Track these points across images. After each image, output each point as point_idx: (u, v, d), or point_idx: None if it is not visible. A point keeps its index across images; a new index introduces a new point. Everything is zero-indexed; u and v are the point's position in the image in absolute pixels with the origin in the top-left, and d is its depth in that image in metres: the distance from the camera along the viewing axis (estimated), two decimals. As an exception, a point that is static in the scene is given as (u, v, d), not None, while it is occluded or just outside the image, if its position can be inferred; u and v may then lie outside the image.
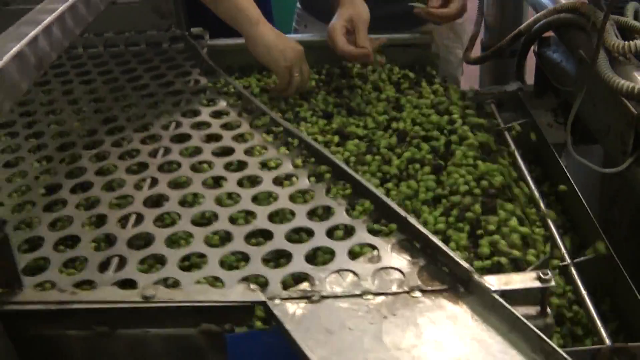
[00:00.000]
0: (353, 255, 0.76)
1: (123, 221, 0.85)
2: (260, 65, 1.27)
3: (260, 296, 0.68)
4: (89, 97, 1.19)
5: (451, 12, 1.33)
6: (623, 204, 1.03)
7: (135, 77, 1.25)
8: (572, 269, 0.87)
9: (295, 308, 0.68)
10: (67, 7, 0.82)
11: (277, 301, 0.68)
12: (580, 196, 0.99)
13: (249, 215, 0.85)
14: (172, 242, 0.81)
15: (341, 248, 0.77)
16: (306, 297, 0.69)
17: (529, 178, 1.03)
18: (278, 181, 0.91)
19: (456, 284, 0.70)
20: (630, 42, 0.94)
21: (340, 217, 0.83)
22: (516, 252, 0.82)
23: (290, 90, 1.23)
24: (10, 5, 1.38)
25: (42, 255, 0.79)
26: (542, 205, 0.97)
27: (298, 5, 1.75)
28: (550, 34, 1.28)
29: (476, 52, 1.55)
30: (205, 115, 1.09)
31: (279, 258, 0.79)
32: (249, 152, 0.98)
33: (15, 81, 0.69)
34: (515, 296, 0.67)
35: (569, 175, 1.04)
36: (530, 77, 1.37)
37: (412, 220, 0.79)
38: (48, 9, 0.81)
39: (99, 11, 0.92)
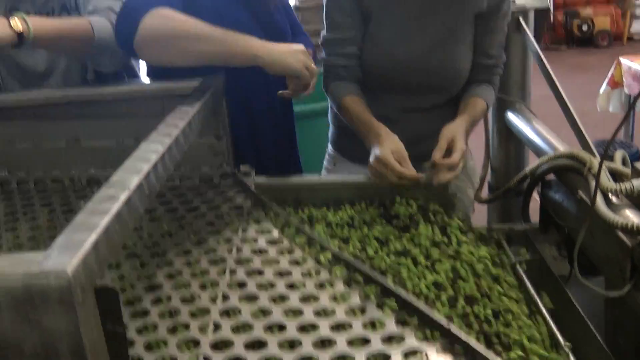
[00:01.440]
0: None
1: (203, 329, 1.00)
2: (303, 198, 1.47)
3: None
4: (153, 225, 1.36)
5: (454, 160, 1.48)
6: (627, 331, 1.12)
7: (194, 207, 1.43)
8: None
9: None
10: (167, 148, 1.01)
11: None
12: (589, 323, 1.09)
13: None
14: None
15: None
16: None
17: (544, 312, 1.12)
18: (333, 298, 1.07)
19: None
20: (621, 184, 1.14)
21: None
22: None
23: (311, 86, 1.54)
24: (82, 142, 1.59)
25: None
26: (561, 340, 1.04)
27: (329, 145, 1.97)
28: (551, 176, 1.47)
29: (484, 190, 1.74)
30: (261, 242, 1.26)
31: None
32: (305, 274, 1.14)
33: (137, 207, 0.86)
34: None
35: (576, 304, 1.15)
36: (534, 214, 1.52)
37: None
38: (152, 149, 1.00)
39: (184, 150, 1.11)
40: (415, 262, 1.21)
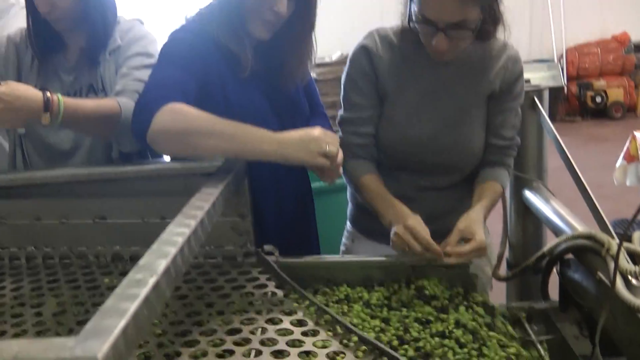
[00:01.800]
0: None
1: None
2: (327, 278, 1.49)
3: None
4: (177, 303, 1.38)
5: (468, 249, 1.51)
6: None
7: (218, 286, 1.45)
8: None
9: None
10: (192, 230, 1.04)
11: None
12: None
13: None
14: None
15: None
16: None
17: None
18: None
19: None
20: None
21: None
22: None
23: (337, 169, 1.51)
24: (107, 219, 1.62)
25: None
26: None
27: (348, 223, 1.99)
28: (570, 255, 1.48)
29: (502, 267, 1.74)
30: (286, 323, 1.27)
31: None
32: (330, 356, 1.15)
33: (164, 291, 0.89)
34: None
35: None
36: (553, 292, 1.52)
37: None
38: (178, 232, 1.03)
39: (208, 231, 1.14)
40: (460, 344, 1.21)
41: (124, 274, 1.51)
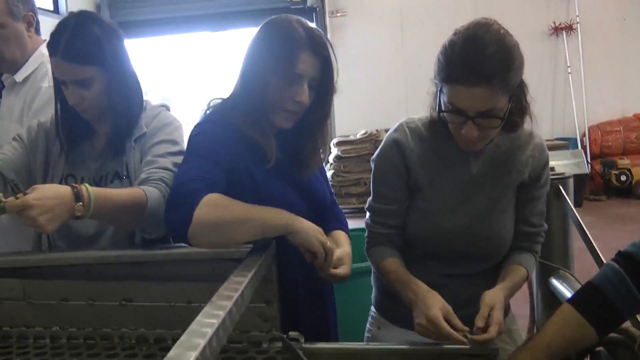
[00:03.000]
0: None
1: None
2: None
3: None
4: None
5: (491, 336, 1.51)
6: None
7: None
8: None
9: None
10: (221, 321, 1.04)
11: None
12: None
13: None
14: None
15: None
16: None
17: None
18: None
19: None
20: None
21: None
22: None
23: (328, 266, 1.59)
24: (133, 302, 1.63)
25: None
26: None
27: (373, 308, 1.98)
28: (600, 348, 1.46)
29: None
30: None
31: None
32: None
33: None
34: None
35: None
36: None
37: None
38: (207, 323, 1.03)
39: (236, 321, 1.14)
40: None
41: (148, 356, 1.52)
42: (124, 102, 1.88)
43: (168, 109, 2.01)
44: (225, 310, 1.08)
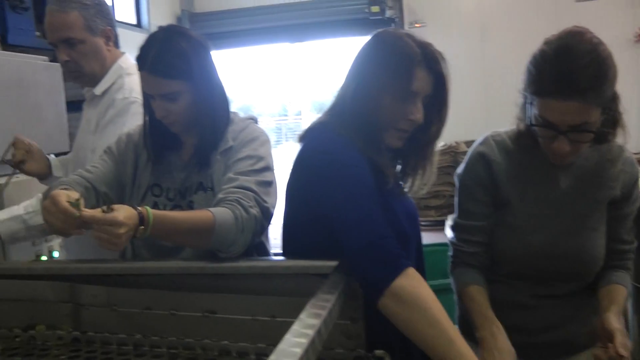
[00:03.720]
0: None
1: None
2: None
3: None
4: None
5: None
6: None
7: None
8: None
9: None
10: (310, 341, 1.02)
11: None
12: None
13: None
14: None
15: None
16: None
17: None
18: None
19: None
20: None
21: None
22: None
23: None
24: (217, 314, 1.62)
25: None
26: None
27: (457, 327, 1.92)
28: None
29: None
30: None
31: None
32: None
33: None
34: None
35: None
36: None
37: None
38: (296, 343, 1.01)
39: (324, 340, 1.11)
40: None
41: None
42: (210, 115, 1.88)
43: (256, 121, 1.99)
44: (314, 329, 1.06)
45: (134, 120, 2.20)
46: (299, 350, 0.97)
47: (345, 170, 1.59)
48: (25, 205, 2.15)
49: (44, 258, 2.66)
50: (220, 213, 1.66)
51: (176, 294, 1.67)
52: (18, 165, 2.35)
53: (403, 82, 1.63)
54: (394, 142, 1.70)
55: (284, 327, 1.48)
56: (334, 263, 1.49)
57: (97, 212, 1.53)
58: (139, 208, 1.58)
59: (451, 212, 5.77)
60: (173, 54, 1.80)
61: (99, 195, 1.89)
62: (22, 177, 2.45)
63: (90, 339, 1.75)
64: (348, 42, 9.83)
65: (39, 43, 3.63)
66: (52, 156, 2.53)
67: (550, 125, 1.57)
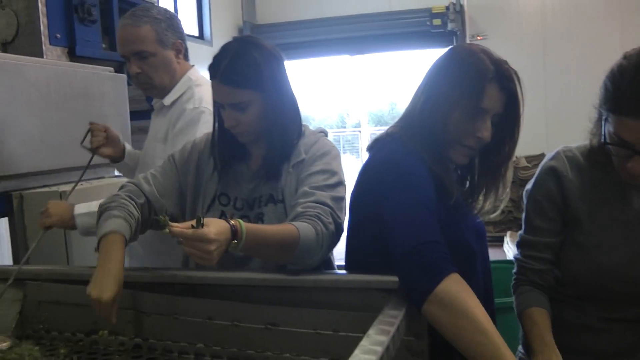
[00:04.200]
0: None
1: None
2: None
3: None
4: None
5: None
6: None
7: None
8: None
9: None
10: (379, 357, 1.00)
11: None
12: None
13: None
14: None
15: None
16: None
17: None
18: None
19: None
20: None
21: None
22: None
23: None
24: (279, 327, 1.61)
25: None
26: None
27: (520, 348, 1.87)
28: None
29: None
30: None
31: None
32: None
33: None
34: None
35: None
36: None
37: None
38: (378, 341, 0.99)
39: (392, 356, 1.09)
40: None
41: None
42: (280, 127, 1.86)
43: (326, 134, 1.98)
44: (382, 346, 1.04)
45: (205, 129, 2.21)
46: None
47: (405, 177, 1.58)
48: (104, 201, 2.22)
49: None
50: (304, 228, 1.65)
51: (238, 305, 1.66)
52: (96, 150, 2.42)
53: (473, 98, 1.60)
54: (460, 158, 1.68)
55: (347, 342, 1.48)
56: (396, 278, 1.47)
57: (187, 228, 1.50)
58: (232, 222, 1.56)
59: (510, 229, 5.66)
60: (245, 64, 1.80)
61: (151, 210, 1.91)
62: (85, 184, 2.50)
63: (151, 346, 1.77)
64: (409, 55, 9.80)
65: (105, 55, 3.72)
66: (127, 143, 2.60)
67: (626, 144, 1.51)
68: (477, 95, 1.60)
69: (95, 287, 1.62)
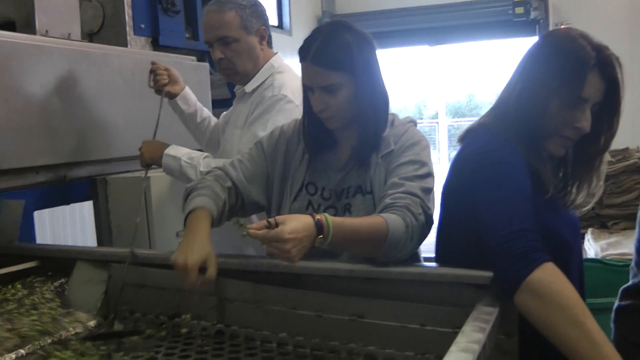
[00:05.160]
0: None
1: None
2: None
3: None
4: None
5: None
6: None
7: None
8: None
9: None
10: (476, 357, 0.96)
11: None
12: None
13: None
14: None
15: None
16: None
17: None
18: None
19: None
20: None
21: None
22: None
23: None
24: (364, 318, 1.59)
25: None
26: None
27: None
28: None
29: None
30: None
31: None
32: None
33: None
34: None
35: None
36: None
37: None
38: (462, 357, 0.95)
39: (487, 355, 1.05)
40: None
41: (376, 376, 1.47)
42: (370, 113, 1.83)
43: (415, 124, 1.94)
44: (479, 344, 1.01)
45: (279, 116, 2.22)
46: (465, 367, 0.92)
47: (500, 166, 1.54)
48: (189, 153, 2.33)
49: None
50: (392, 220, 1.62)
51: (323, 295, 1.65)
52: (162, 90, 2.54)
53: (573, 87, 1.53)
54: (557, 150, 1.61)
55: (434, 337, 1.45)
56: (490, 273, 1.42)
57: (262, 229, 1.50)
58: (317, 216, 1.54)
59: (591, 226, 5.42)
60: (336, 46, 1.78)
61: (238, 195, 1.91)
62: (158, 172, 2.54)
63: (234, 333, 1.77)
64: (488, 45, 9.59)
65: (188, 44, 3.77)
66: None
67: None
68: (578, 84, 1.53)
69: (181, 254, 1.63)
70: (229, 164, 1.96)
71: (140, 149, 2.39)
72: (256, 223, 1.54)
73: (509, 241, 1.41)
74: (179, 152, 2.31)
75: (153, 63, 2.56)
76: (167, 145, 2.35)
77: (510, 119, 1.62)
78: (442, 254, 1.75)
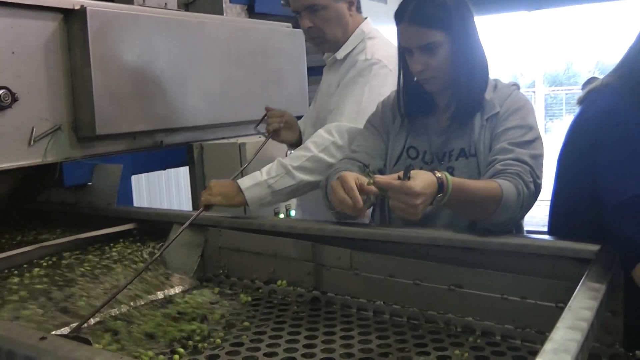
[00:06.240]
0: None
1: None
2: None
3: None
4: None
5: None
6: None
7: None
8: None
9: None
10: (584, 336, 0.93)
11: None
12: None
13: None
14: None
15: None
16: None
17: None
18: None
19: None
20: None
21: None
22: None
23: None
24: (463, 288, 1.57)
25: None
26: None
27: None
28: None
29: None
30: None
31: None
32: None
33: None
34: None
35: None
36: None
37: None
38: (571, 338, 0.93)
39: (596, 333, 1.02)
40: None
41: (474, 348, 1.45)
42: (468, 74, 1.81)
43: (519, 87, 1.90)
44: (587, 322, 0.98)
45: (375, 80, 2.21)
46: (574, 344, 0.89)
47: (624, 126, 1.49)
48: (267, 170, 2.13)
49: (281, 216, 2.77)
50: (506, 186, 1.60)
51: (422, 263, 1.64)
52: (273, 135, 2.42)
53: None
54: None
55: (535, 310, 1.41)
56: (595, 247, 1.37)
57: (393, 179, 1.49)
58: (438, 174, 1.53)
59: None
60: (433, 4, 1.77)
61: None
62: (254, 138, 2.55)
63: (330, 300, 1.79)
64: (587, 10, 9.18)
65: (283, 11, 3.77)
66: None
67: None
68: None
69: None
70: (347, 155, 1.98)
71: (208, 188, 2.11)
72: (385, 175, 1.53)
73: (629, 206, 1.36)
74: (255, 177, 2.12)
75: (267, 108, 2.47)
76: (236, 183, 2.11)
77: (635, 79, 1.56)
78: (557, 223, 1.71)
